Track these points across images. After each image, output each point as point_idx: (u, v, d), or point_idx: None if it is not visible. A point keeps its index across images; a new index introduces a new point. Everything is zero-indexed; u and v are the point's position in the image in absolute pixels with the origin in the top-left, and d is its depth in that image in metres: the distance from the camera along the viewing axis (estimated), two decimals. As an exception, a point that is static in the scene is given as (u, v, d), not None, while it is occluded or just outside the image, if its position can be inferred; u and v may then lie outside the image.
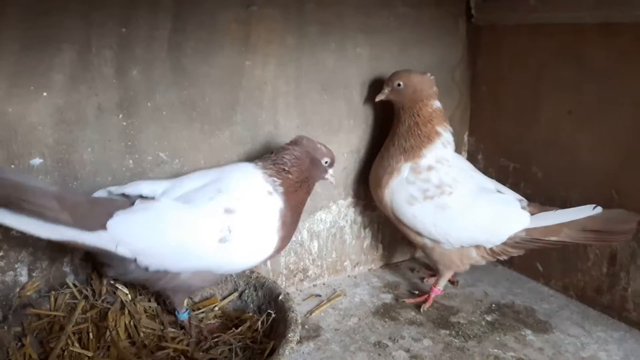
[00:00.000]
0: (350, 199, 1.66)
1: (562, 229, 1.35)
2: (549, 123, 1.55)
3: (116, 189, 1.16)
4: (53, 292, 1.21)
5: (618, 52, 1.35)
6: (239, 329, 1.19)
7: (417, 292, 1.60)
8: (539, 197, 1.54)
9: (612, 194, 1.41)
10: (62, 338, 1.11)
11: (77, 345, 1.12)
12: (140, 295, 1.26)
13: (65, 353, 1.11)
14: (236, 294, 1.30)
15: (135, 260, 1.08)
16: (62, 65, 1.16)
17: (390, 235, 1.77)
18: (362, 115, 1.59)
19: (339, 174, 1.61)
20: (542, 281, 1.66)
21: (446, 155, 1.42)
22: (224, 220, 1.12)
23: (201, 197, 1.13)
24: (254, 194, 1.18)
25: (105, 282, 1.24)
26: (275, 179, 1.19)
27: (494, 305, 1.54)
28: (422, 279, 1.70)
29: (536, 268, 1.67)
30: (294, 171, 1.21)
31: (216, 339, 1.17)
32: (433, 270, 1.70)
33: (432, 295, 1.52)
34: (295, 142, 1.26)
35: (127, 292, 1.24)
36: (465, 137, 1.83)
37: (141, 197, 1.12)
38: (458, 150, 1.82)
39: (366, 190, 1.67)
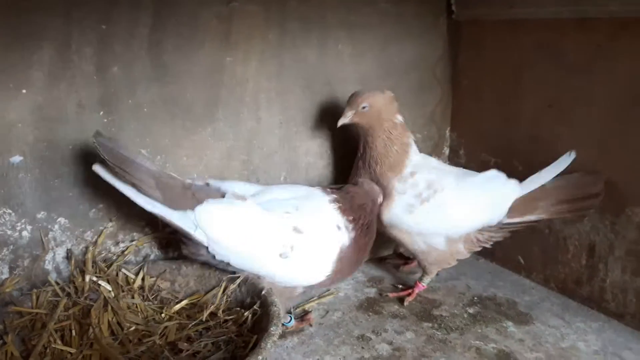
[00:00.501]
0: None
1: (537, 205, 1.40)
2: (529, 117, 1.57)
3: (215, 182, 1.26)
4: (35, 290, 1.21)
5: (594, 47, 1.37)
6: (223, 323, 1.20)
7: (400, 285, 1.62)
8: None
9: (590, 187, 1.44)
10: (44, 335, 1.11)
11: (59, 342, 1.12)
12: (123, 292, 1.26)
13: (48, 350, 1.10)
14: (219, 289, 1.30)
15: (207, 247, 1.18)
16: (42, 62, 1.16)
17: (374, 230, 1.78)
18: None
19: (323, 170, 1.62)
20: (523, 274, 1.69)
21: (419, 159, 1.46)
22: (290, 237, 1.22)
23: (279, 208, 1.24)
24: (325, 224, 1.28)
25: (87, 279, 1.23)
26: (347, 218, 1.30)
27: (476, 298, 1.56)
28: (397, 266, 1.74)
29: (518, 261, 1.69)
30: (363, 216, 1.33)
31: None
32: (406, 259, 1.75)
33: (416, 290, 1.53)
34: (361, 186, 1.40)
35: (110, 289, 1.24)
36: (447, 133, 1.85)
37: (234, 193, 1.22)
38: (440, 146, 1.85)
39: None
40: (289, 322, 1.36)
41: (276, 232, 1.22)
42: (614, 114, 1.36)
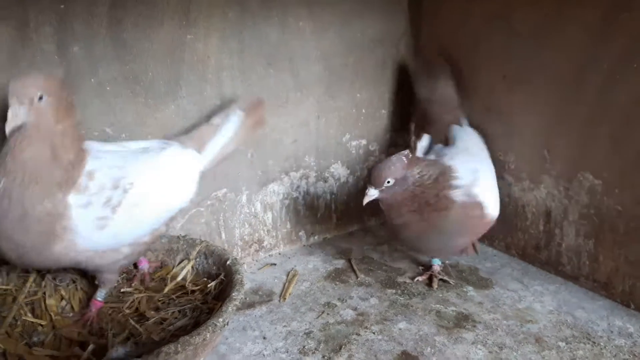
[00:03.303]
0: (302, 171, 1.71)
1: None
2: (486, 89, 1.61)
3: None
4: (4, 266, 1.24)
5: (542, 16, 1.42)
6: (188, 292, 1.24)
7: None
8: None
9: (544, 154, 1.49)
10: (13, 308, 1.14)
11: (30, 315, 1.15)
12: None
13: (19, 322, 1.14)
14: (187, 262, 1.34)
15: None
16: (0, 42, 1.17)
17: (343, 205, 1.83)
18: (308, 88, 1.64)
19: (290, 147, 1.66)
20: (486, 242, 1.74)
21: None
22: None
23: None
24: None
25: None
26: None
27: (439, 265, 1.62)
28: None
29: (481, 230, 1.75)
30: None
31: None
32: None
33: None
34: None
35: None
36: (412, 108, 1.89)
37: None
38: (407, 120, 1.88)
39: (317, 162, 1.72)
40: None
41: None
42: (564, 82, 1.41)
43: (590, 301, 1.41)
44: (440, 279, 1.51)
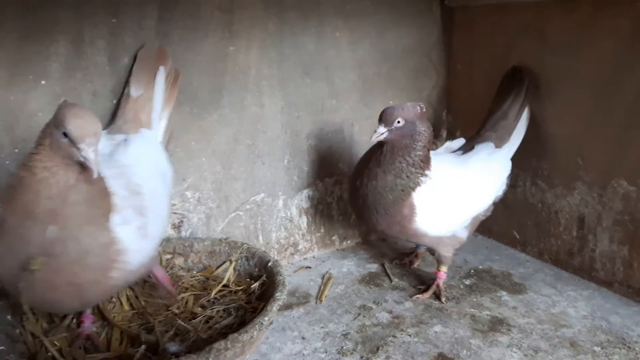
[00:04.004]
0: (335, 177, 1.75)
1: None
2: (518, 97, 1.63)
3: None
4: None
5: (576, 26, 1.44)
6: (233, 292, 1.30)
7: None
8: (514, 168, 1.63)
9: (578, 161, 1.51)
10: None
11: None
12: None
13: (75, 321, 1.20)
14: (229, 264, 1.40)
15: None
16: (58, 54, 1.24)
17: (375, 210, 1.86)
18: (343, 96, 1.68)
19: (324, 153, 1.70)
20: (519, 248, 1.76)
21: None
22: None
23: None
24: None
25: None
26: None
27: (472, 270, 1.64)
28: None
29: (513, 236, 1.77)
30: None
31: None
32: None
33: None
34: None
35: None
36: (444, 115, 1.92)
37: None
38: (438, 128, 1.92)
39: (350, 168, 1.76)
40: None
41: None
42: (597, 89, 1.43)
43: (625, 307, 1.42)
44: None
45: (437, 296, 1.48)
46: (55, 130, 0.91)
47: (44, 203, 0.91)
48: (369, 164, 1.34)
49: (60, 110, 0.92)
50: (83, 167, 0.92)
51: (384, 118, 1.27)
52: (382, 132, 1.27)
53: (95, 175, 0.90)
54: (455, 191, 1.37)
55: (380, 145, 1.32)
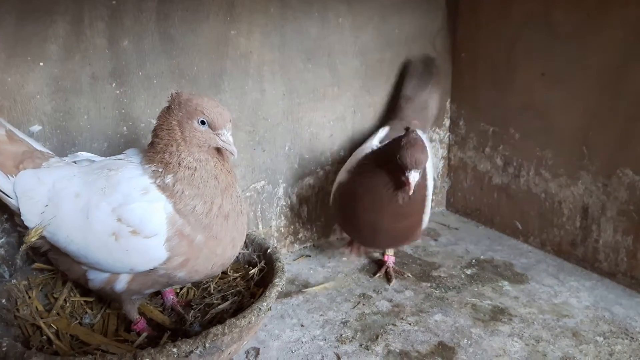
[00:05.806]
0: (337, 165, 1.73)
1: None
2: (523, 86, 1.62)
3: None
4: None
5: (584, 15, 1.41)
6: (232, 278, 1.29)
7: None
8: (517, 158, 1.61)
9: (583, 150, 1.49)
10: (64, 290, 1.20)
11: (78, 295, 1.21)
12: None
13: (68, 304, 1.19)
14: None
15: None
16: (57, 36, 1.22)
17: (376, 199, 1.84)
18: (345, 83, 1.66)
19: (326, 141, 1.69)
20: (521, 239, 1.74)
21: None
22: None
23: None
24: None
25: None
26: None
27: (474, 260, 1.62)
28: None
29: (516, 227, 1.75)
30: None
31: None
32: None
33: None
34: None
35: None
36: (448, 104, 1.90)
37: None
38: (441, 117, 1.90)
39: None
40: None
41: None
42: (604, 79, 1.41)
43: (628, 297, 1.41)
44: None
45: (387, 278, 1.52)
46: (189, 121, 1.01)
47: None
48: (383, 199, 1.26)
49: (191, 101, 1.02)
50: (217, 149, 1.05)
51: (416, 163, 1.16)
52: (416, 178, 1.18)
53: (236, 155, 1.05)
54: None
55: (382, 173, 1.25)
